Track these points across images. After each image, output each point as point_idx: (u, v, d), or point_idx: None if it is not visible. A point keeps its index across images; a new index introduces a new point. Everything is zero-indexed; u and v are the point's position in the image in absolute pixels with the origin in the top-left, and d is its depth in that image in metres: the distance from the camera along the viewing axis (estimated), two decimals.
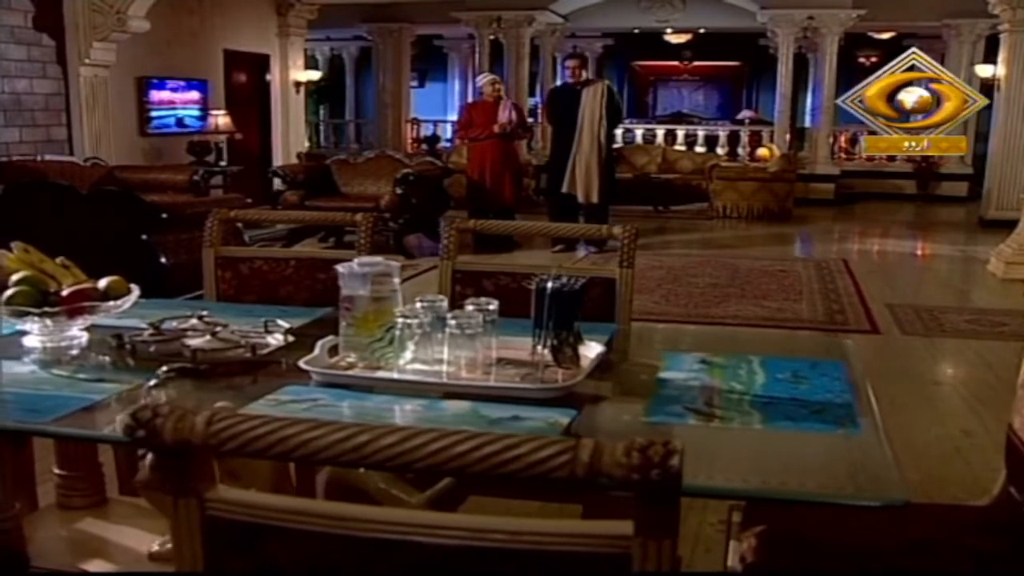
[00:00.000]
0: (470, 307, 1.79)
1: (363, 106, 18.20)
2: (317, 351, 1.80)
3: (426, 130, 15.58)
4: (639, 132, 14.31)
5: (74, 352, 1.96)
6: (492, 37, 13.38)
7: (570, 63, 8.05)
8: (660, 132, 14.14)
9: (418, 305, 1.81)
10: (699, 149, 13.59)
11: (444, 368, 1.74)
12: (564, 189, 7.87)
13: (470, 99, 18.13)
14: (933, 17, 12.95)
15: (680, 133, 14.05)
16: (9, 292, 1.91)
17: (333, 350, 1.83)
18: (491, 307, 1.80)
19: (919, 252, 9.55)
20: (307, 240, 7.83)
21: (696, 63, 18.48)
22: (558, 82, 15.90)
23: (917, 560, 1.63)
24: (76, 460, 2.24)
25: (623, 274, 2.51)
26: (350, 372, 1.71)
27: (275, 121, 11.54)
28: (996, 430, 3.73)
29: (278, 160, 11.14)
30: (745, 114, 16.65)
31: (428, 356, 1.77)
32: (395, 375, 1.72)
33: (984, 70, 11.51)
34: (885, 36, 15.76)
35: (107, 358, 1.90)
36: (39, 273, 2.01)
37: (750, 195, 11.12)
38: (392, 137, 14.43)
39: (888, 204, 12.92)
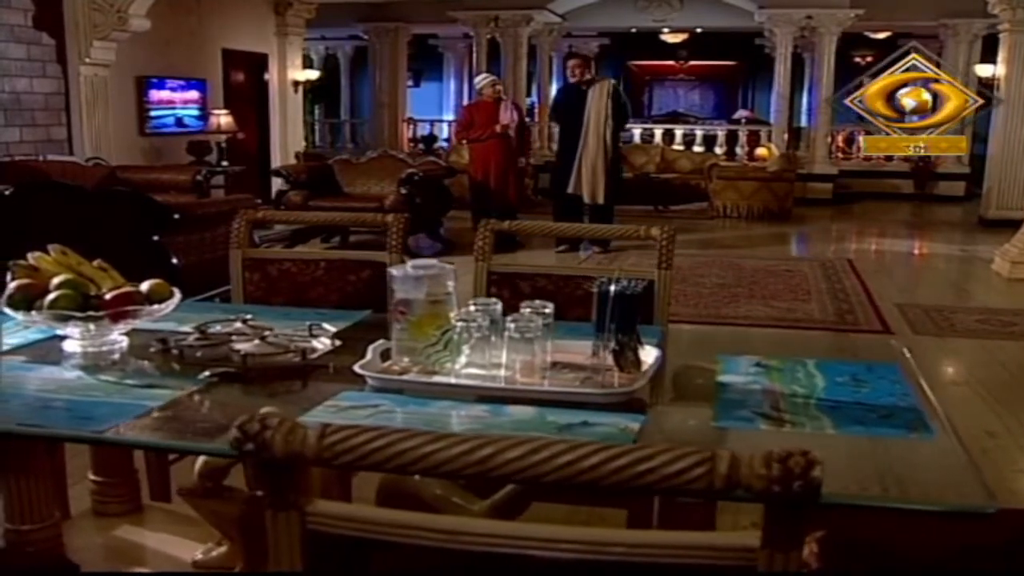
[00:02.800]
0: (526, 310, 1.76)
1: (358, 106, 18.13)
2: (369, 355, 1.76)
3: (423, 130, 15.52)
4: (637, 132, 14.29)
5: (115, 357, 1.92)
6: (489, 37, 13.35)
7: (571, 63, 8.01)
8: (658, 132, 14.12)
9: (472, 308, 1.78)
10: (697, 149, 13.58)
11: (501, 372, 1.71)
12: (570, 190, 7.83)
13: (466, 99, 18.14)
14: (931, 17, 12.98)
15: (678, 133, 14.02)
16: (52, 296, 1.86)
17: (384, 354, 1.80)
18: (547, 310, 1.78)
19: (922, 252, 9.56)
20: (311, 240, 7.78)
21: (692, 62, 18.48)
22: (554, 82, 15.91)
23: (990, 564, 1.61)
24: (112, 466, 2.20)
25: (662, 275, 2.47)
26: (408, 377, 1.68)
27: (273, 121, 11.47)
28: (1018, 431, 3.73)
29: (276, 160, 11.07)
30: (741, 113, 16.67)
31: (484, 360, 1.73)
32: (452, 380, 1.69)
33: (983, 70, 11.53)
34: (881, 36, 15.79)
35: (152, 363, 1.86)
36: (79, 276, 1.97)
37: (750, 195, 11.12)
38: (389, 137, 14.38)
39: (886, 204, 12.94)
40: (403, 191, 7.75)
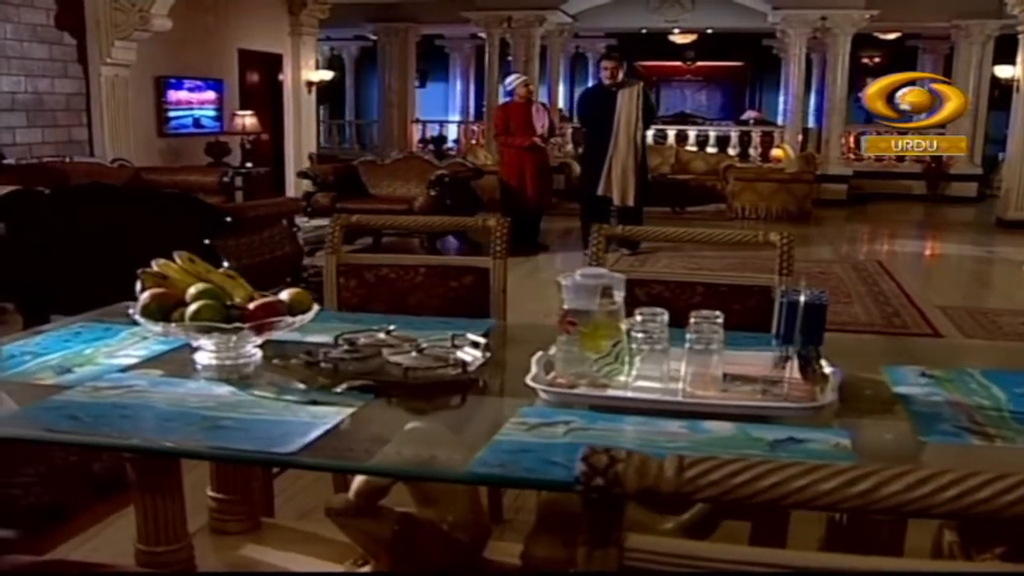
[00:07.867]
0: (698, 321, 1.70)
1: (364, 106, 18.03)
2: (535, 368, 1.69)
3: (432, 131, 15.43)
4: (649, 133, 14.20)
5: (249, 370, 1.84)
6: (500, 37, 13.27)
7: (607, 64, 7.95)
8: (671, 133, 14.05)
9: (638, 318, 1.72)
10: (710, 150, 13.52)
11: (679, 385, 1.64)
12: (600, 192, 7.78)
13: (472, 100, 18.06)
14: (943, 17, 12.96)
15: (691, 134, 13.95)
16: (193, 307, 1.78)
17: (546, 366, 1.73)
18: (718, 320, 1.71)
19: (948, 253, 9.51)
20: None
21: (698, 63, 18.45)
22: (563, 83, 15.85)
23: None
24: (233, 484, 2.12)
25: (782, 282, 2.42)
26: (589, 392, 1.60)
27: (287, 121, 11.37)
28: None
29: (290, 161, 10.98)
30: (749, 114, 16.63)
31: (657, 372, 1.67)
32: (630, 394, 1.62)
33: (1003, 71, 11.51)
34: (891, 36, 15.78)
35: (298, 376, 1.78)
36: (213, 286, 1.89)
37: (768, 196, 11.07)
38: (398, 138, 14.29)
39: (898, 204, 12.92)
40: (433, 193, 7.67)
